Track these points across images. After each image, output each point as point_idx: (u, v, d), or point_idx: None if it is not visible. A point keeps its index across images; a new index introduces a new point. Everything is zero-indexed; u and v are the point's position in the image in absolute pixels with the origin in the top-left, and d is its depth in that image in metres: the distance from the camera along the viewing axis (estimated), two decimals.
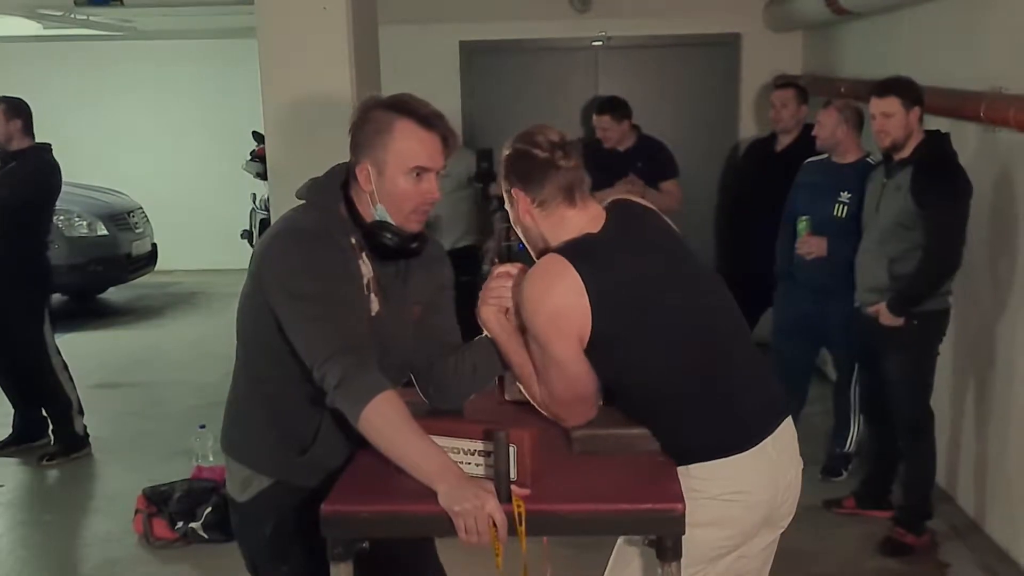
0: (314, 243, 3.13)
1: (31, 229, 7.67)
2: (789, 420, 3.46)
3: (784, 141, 7.75)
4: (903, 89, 5.64)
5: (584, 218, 3.33)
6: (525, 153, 3.34)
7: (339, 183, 3.29)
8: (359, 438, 3.04)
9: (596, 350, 3.21)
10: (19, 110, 7.53)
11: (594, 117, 8.47)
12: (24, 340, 7.70)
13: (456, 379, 3.51)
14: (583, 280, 3.14)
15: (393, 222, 3.20)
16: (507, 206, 3.45)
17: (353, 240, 3.21)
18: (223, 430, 3.48)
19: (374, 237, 3.22)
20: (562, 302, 3.16)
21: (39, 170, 7.65)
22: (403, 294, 3.37)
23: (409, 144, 3.15)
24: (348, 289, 3.15)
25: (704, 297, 3.41)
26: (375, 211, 3.20)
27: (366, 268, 3.23)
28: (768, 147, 7.94)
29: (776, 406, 3.47)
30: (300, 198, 3.31)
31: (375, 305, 3.25)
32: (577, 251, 3.22)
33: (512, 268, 3.41)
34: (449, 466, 2.93)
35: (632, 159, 8.28)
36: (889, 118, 5.63)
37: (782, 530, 3.53)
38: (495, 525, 2.82)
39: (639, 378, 3.28)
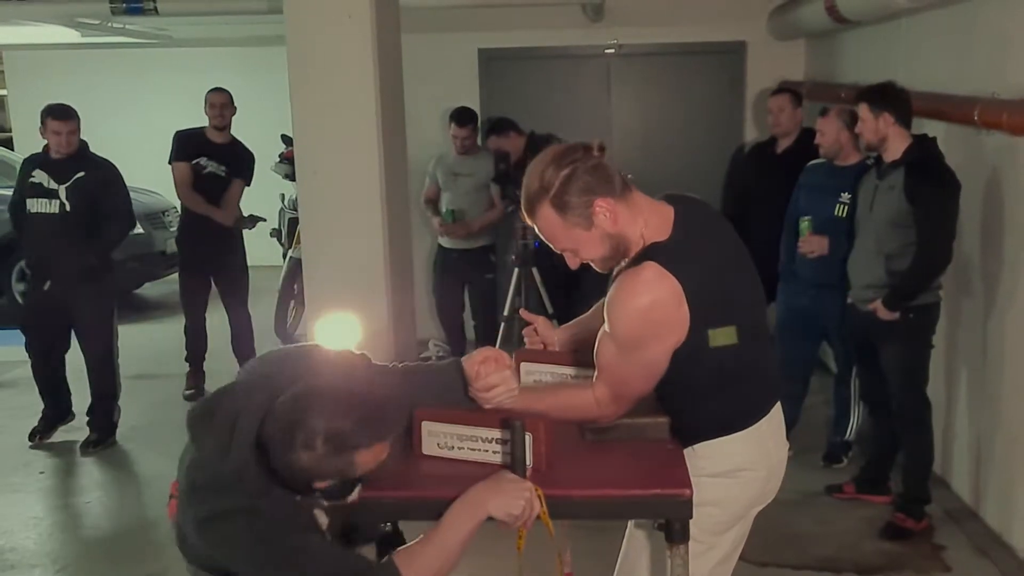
0: (253, 524, 2.69)
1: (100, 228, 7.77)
2: (779, 404, 3.47)
3: (784, 144, 7.72)
4: (872, 96, 5.73)
5: (645, 201, 3.26)
6: (575, 169, 3.13)
7: (254, 460, 2.68)
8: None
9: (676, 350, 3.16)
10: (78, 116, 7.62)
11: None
12: (101, 331, 7.81)
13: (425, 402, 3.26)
14: (683, 288, 3.07)
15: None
16: (579, 239, 3.20)
17: (298, 497, 2.79)
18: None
19: (329, 498, 2.86)
20: (668, 313, 3.09)
21: (106, 177, 7.72)
22: None
23: (377, 457, 2.74)
24: (310, 541, 2.75)
25: (753, 290, 3.42)
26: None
27: (323, 514, 2.89)
28: (768, 150, 7.92)
29: (773, 389, 3.49)
30: (198, 449, 2.80)
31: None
32: (672, 257, 3.12)
33: (492, 373, 3.20)
34: (469, 499, 2.84)
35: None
36: (863, 122, 5.75)
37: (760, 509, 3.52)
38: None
39: (684, 366, 3.22)
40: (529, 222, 3.26)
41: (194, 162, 8.70)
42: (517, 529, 2.85)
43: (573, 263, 3.30)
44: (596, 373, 3.26)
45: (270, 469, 2.68)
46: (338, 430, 2.62)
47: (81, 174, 7.50)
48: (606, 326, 3.20)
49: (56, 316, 7.62)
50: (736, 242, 3.42)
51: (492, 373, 3.19)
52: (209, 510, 2.71)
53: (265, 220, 9.60)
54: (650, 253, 3.15)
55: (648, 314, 3.10)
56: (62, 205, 7.46)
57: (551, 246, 3.29)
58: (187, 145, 8.83)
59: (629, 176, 3.26)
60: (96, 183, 7.59)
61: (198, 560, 2.85)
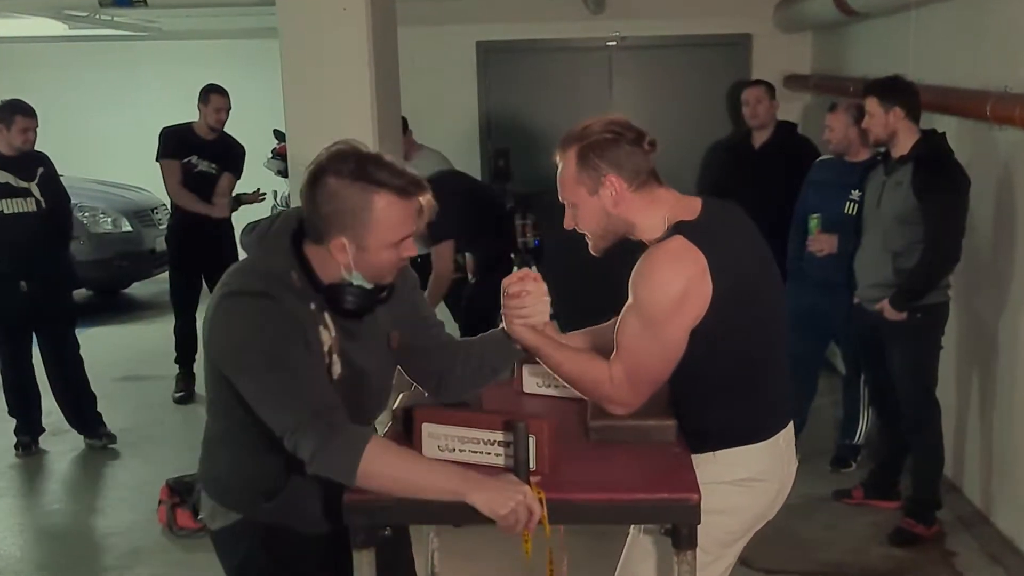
0: (260, 310, 2.93)
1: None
2: (791, 420, 3.51)
3: (761, 138, 7.80)
4: (882, 90, 5.71)
5: (672, 196, 3.32)
6: (613, 140, 3.26)
7: (290, 240, 3.08)
8: (331, 483, 2.94)
9: (694, 333, 3.17)
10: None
11: None
12: (72, 331, 7.87)
13: (463, 380, 3.41)
14: (710, 268, 3.11)
15: (369, 286, 3.06)
16: (582, 198, 3.30)
17: (312, 306, 3.04)
18: (199, 460, 3.40)
19: (336, 300, 3.05)
20: (691, 285, 3.11)
21: (54, 172, 7.74)
22: (372, 329, 3.22)
23: (393, 220, 2.96)
24: (301, 353, 2.95)
25: (774, 293, 3.44)
26: (350, 277, 3.03)
27: (327, 333, 3.07)
28: (745, 145, 7.95)
29: (789, 402, 3.52)
30: (245, 249, 3.16)
31: (337, 368, 3.10)
32: (698, 233, 3.17)
33: (526, 281, 3.32)
34: (468, 475, 2.88)
35: None
36: (871, 117, 5.73)
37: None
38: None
39: (702, 361, 3.23)
40: (557, 158, 3.35)
41: (184, 160, 8.68)
42: (521, 534, 2.84)
43: (569, 222, 3.39)
44: (615, 352, 3.26)
45: (299, 245, 3.05)
46: (367, 161, 2.95)
47: (42, 169, 7.52)
48: (630, 300, 3.22)
49: (29, 319, 7.61)
50: (763, 244, 3.43)
51: (529, 283, 3.29)
52: (235, 285, 3.01)
53: (264, 196, 9.52)
54: (676, 229, 3.19)
55: (673, 285, 3.13)
56: (38, 202, 7.46)
57: (559, 193, 3.38)
58: (176, 142, 8.79)
59: None
60: (54, 178, 7.66)
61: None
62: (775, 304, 3.43)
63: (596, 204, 3.29)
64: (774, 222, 7.08)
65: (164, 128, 8.88)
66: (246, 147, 9.01)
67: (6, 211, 7.39)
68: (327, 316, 3.07)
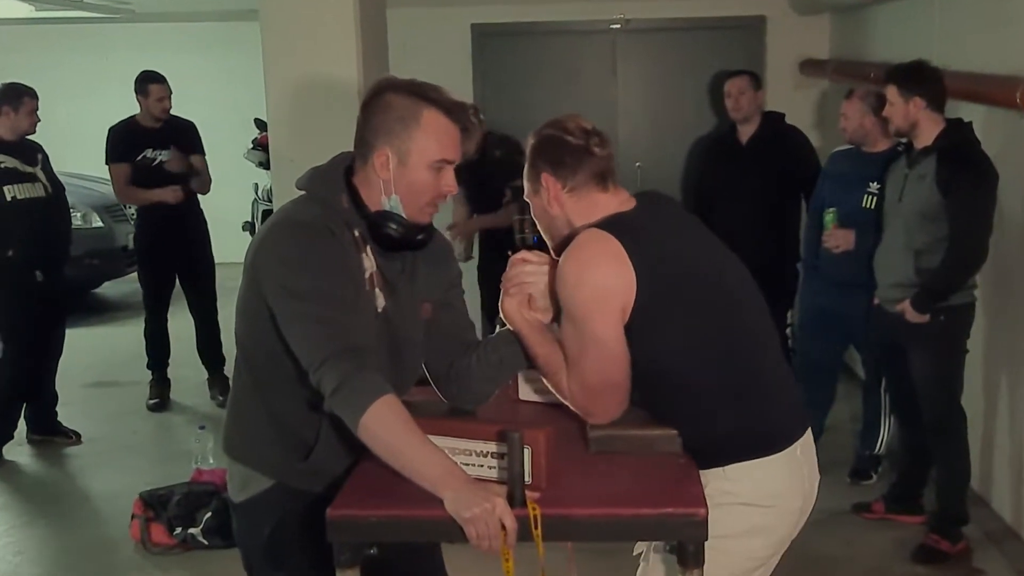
0: (313, 237, 3.11)
1: None
2: (810, 429, 3.50)
3: (747, 131, 7.77)
4: (902, 78, 5.68)
5: (615, 202, 3.38)
6: (557, 139, 3.38)
7: (342, 171, 3.28)
8: (361, 444, 3.02)
9: (638, 327, 3.20)
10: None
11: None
12: (63, 330, 8.11)
13: (480, 373, 3.50)
14: (627, 251, 3.16)
15: (404, 214, 3.20)
16: (530, 195, 3.47)
17: (356, 233, 3.20)
18: (224, 429, 3.48)
19: (379, 227, 3.20)
20: (608, 273, 3.17)
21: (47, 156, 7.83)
22: (411, 290, 3.36)
23: (436, 136, 3.16)
24: (347, 288, 3.11)
25: (740, 287, 3.45)
26: (387, 201, 3.19)
27: (369, 262, 3.22)
28: (731, 140, 7.94)
29: (802, 411, 3.53)
30: (300, 188, 3.30)
31: (380, 301, 3.24)
32: (616, 225, 3.25)
33: (530, 255, 3.44)
34: (453, 471, 2.91)
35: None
36: (891, 107, 5.71)
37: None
38: (504, 529, 2.81)
39: (679, 364, 3.26)
40: None
41: (139, 158, 8.58)
42: (499, 552, 2.83)
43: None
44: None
45: (349, 177, 3.27)
46: (424, 84, 3.21)
47: (40, 155, 7.65)
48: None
49: (39, 314, 7.64)
50: (713, 238, 3.53)
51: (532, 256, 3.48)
52: (291, 213, 3.24)
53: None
54: (597, 222, 3.30)
55: (585, 277, 3.21)
56: (45, 187, 7.63)
57: None
58: (125, 142, 8.68)
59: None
60: (50, 164, 7.74)
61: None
62: (748, 299, 3.46)
63: (538, 203, 3.46)
64: (773, 219, 7.13)
65: (111, 128, 8.78)
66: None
67: (19, 196, 7.52)
68: (369, 249, 3.23)
